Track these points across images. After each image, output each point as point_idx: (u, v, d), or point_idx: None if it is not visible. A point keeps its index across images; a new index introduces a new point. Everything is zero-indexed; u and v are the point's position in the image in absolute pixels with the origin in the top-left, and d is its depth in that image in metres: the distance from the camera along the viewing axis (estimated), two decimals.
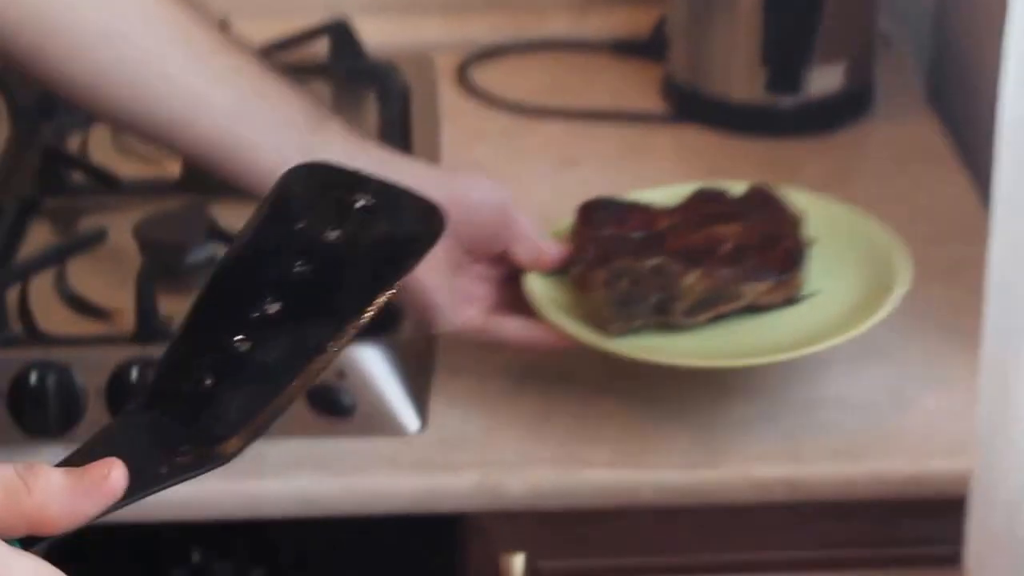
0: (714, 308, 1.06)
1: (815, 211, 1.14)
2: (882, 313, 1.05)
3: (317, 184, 0.78)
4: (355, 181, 0.76)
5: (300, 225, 0.75)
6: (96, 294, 1.18)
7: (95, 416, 1.04)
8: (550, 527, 1.07)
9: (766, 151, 1.39)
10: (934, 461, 1.04)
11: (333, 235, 0.74)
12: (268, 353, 0.71)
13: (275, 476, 1.03)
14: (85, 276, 1.20)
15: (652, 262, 1.05)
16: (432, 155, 1.36)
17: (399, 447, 1.05)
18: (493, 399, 1.09)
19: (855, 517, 1.07)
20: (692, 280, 1.05)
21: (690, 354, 1.04)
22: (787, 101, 1.40)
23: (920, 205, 1.31)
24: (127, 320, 1.11)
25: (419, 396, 1.08)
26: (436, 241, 0.75)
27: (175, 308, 1.14)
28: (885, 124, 1.43)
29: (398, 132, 1.37)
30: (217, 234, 1.18)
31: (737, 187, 1.15)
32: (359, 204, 0.75)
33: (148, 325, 1.09)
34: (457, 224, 1.03)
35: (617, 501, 1.04)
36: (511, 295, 1.09)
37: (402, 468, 1.03)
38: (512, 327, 1.07)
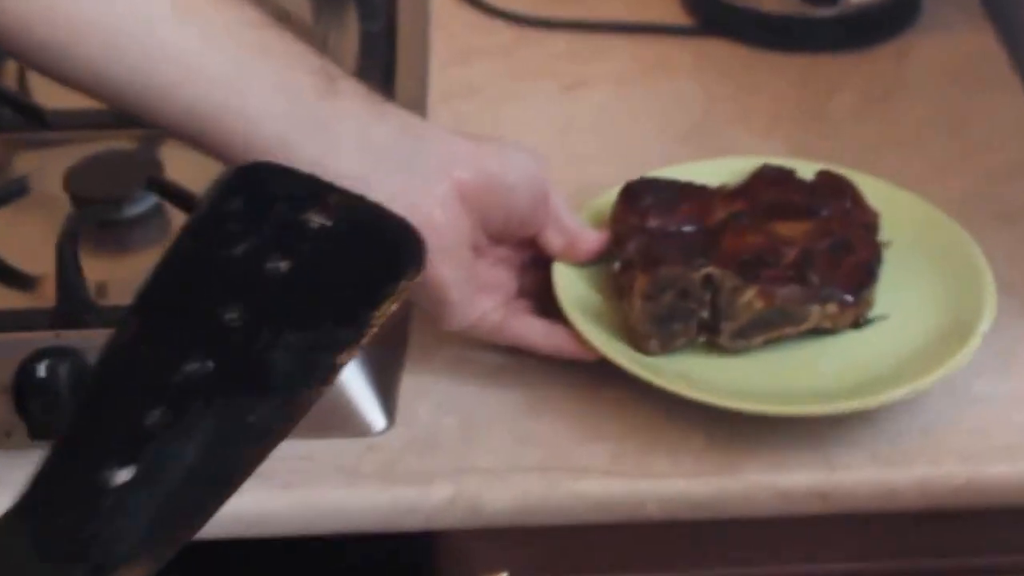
0: (769, 332, 0.90)
1: (880, 202, 0.97)
2: (961, 357, 0.89)
3: (261, 196, 0.61)
4: (311, 192, 0.60)
5: (236, 252, 0.59)
6: (21, 257, 1.02)
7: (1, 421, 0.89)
8: (538, 543, 0.91)
9: (801, 68, 1.22)
10: (994, 465, 0.88)
11: (280, 266, 0.59)
12: (192, 434, 0.55)
13: None
14: (10, 234, 1.04)
15: (703, 272, 0.88)
16: (420, 75, 1.21)
17: (361, 452, 0.89)
18: (473, 390, 0.93)
19: (899, 527, 0.91)
20: (748, 298, 0.89)
21: (741, 390, 0.88)
22: (825, 11, 1.24)
23: (976, 131, 1.15)
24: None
25: (386, 387, 0.92)
26: (414, 277, 0.59)
27: (110, 272, 0.99)
28: (935, 36, 1.25)
29: (381, 48, 1.22)
30: (161, 184, 1.01)
31: (806, 168, 0.99)
32: (315, 224, 0.59)
33: (70, 300, 0.94)
34: (488, 208, 0.88)
35: (617, 516, 0.88)
36: (534, 280, 0.95)
37: (363, 479, 0.88)
38: (532, 331, 0.93)
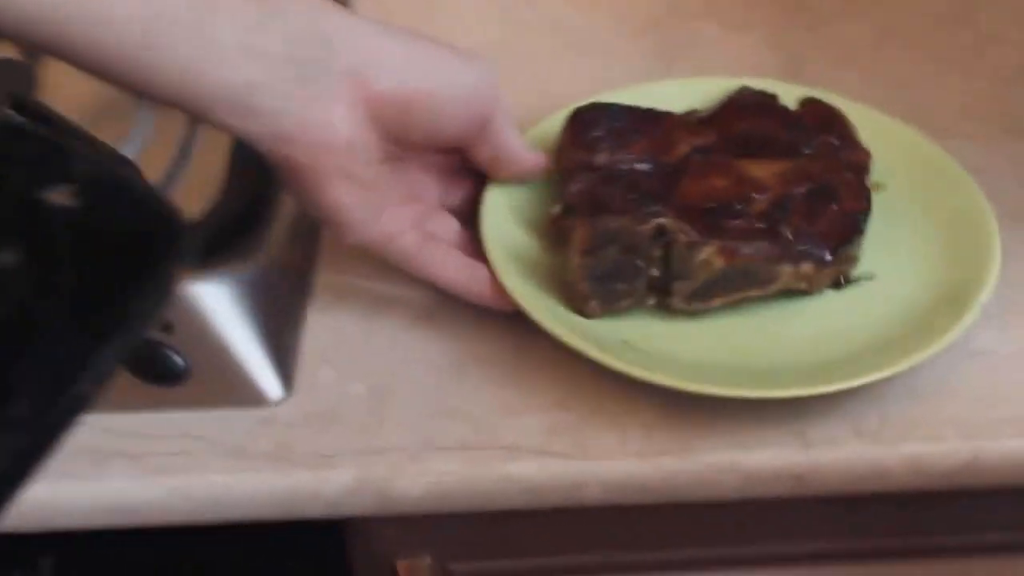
0: (730, 294, 0.76)
1: (872, 134, 0.83)
2: (952, 334, 0.74)
3: None
4: (54, 162, 0.47)
5: None
6: None
7: None
8: (462, 525, 0.78)
9: None
10: (1002, 440, 0.74)
11: (8, 261, 0.44)
12: None
13: (75, 473, 0.74)
14: None
15: (653, 223, 0.74)
16: None
17: (252, 427, 0.75)
18: (386, 346, 0.79)
19: (886, 505, 0.78)
20: (706, 256, 0.74)
21: (697, 364, 0.74)
22: None
23: (986, 23, 1.01)
24: None
25: (283, 346, 0.78)
26: (173, 278, 0.45)
27: None
28: None
29: None
30: (24, 104, 0.86)
31: (793, 91, 0.85)
32: (55, 205, 0.46)
33: None
34: (406, 127, 0.73)
35: (552, 502, 0.74)
36: (465, 193, 0.81)
37: (254, 460, 0.74)
38: (449, 268, 0.78)
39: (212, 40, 0.67)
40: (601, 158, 0.79)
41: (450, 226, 0.80)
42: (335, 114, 0.71)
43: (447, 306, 0.80)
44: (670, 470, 0.73)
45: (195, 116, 0.69)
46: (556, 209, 0.78)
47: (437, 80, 0.74)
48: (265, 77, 0.69)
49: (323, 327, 0.80)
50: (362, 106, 0.71)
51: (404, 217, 0.77)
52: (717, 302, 0.76)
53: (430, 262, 0.78)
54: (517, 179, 0.81)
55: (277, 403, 0.76)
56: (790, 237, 0.75)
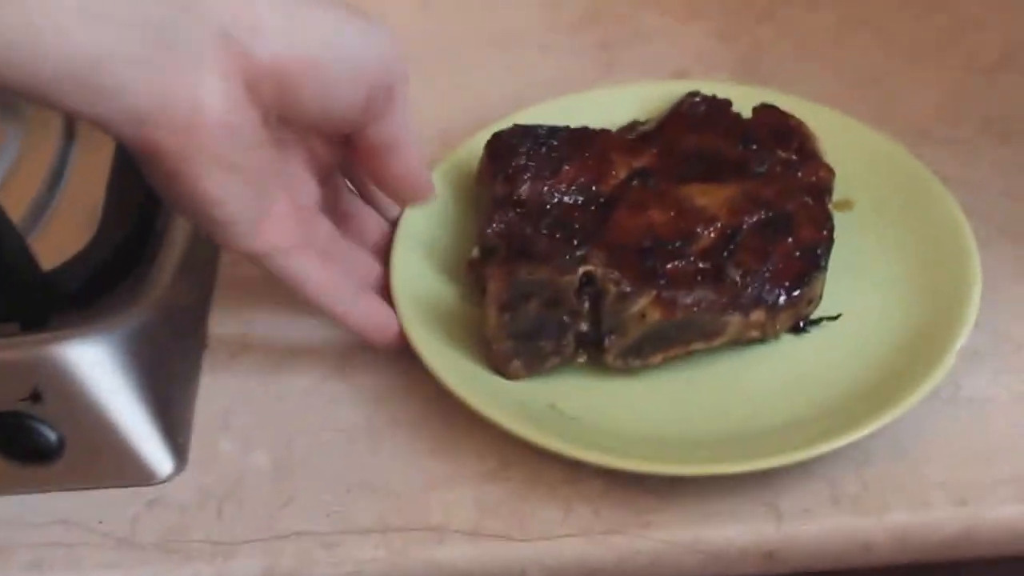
0: (671, 349, 0.66)
1: (835, 144, 0.73)
2: (934, 378, 0.65)
3: None
4: None
5: None
6: None
7: None
8: None
9: None
10: (1000, 507, 0.64)
11: None
12: None
13: None
14: None
15: (580, 271, 0.64)
16: None
17: (137, 510, 0.65)
18: (293, 412, 0.69)
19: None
20: (640, 308, 0.64)
21: (637, 433, 0.65)
22: None
23: (960, 6, 0.90)
24: None
25: (172, 416, 0.68)
26: None
27: None
28: None
29: None
30: None
31: (747, 94, 0.76)
32: None
33: None
34: (293, 105, 0.62)
35: None
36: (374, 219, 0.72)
37: (140, 552, 0.64)
38: (344, 302, 0.67)
39: (40, 3, 0.56)
40: (524, 190, 0.69)
41: (331, 232, 0.69)
42: (204, 88, 0.59)
43: (361, 357, 0.70)
44: (622, 550, 0.64)
45: (35, 102, 0.57)
46: (475, 252, 0.69)
47: (328, 45, 0.62)
48: (112, 46, 0.56)
49: (220, 387, 0.70)
50: (238, 77, 0.60)
51: (293, 225, 0.66)
52: (658, 358, 0.66)
53: (322, 294, 0.67)
54: (401, 187, 0.70)
55: (167, 480, 0.66)
56: (737, 280, 0.66)
